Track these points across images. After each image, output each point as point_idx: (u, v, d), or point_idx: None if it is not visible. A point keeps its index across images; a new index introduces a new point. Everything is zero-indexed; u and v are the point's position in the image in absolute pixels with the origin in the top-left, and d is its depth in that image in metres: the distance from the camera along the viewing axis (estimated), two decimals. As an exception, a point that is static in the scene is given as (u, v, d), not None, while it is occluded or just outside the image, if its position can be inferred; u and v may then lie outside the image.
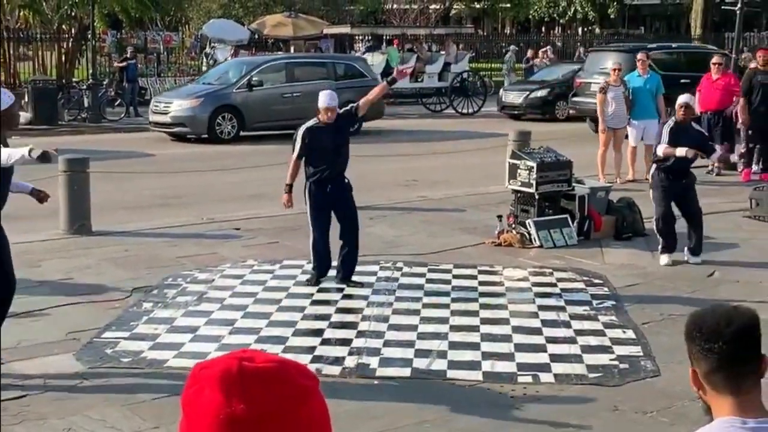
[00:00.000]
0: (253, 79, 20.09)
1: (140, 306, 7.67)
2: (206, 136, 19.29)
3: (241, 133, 19.56)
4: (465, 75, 27.43)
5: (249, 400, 1.19)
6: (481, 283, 8.53)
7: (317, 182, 8.27)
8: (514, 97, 24.79)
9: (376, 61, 26.70)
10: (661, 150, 9.00)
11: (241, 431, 1.18)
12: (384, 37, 29.96)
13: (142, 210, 12.10)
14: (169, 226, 10.76)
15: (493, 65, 36.31)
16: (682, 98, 9.35)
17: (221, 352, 6.37)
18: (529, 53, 33.75)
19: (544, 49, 36.20)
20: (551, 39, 41.91)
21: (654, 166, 9.42)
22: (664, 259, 9.11)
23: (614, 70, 14.22)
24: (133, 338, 6.85)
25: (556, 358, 6.55)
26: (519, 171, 10.27)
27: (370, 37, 30.56)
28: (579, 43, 40.33)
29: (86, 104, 23.62)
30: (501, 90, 26.35)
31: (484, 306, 7.81)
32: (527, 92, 24.45)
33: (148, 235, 10.28)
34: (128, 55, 26.71)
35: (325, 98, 8.36)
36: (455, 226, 10.95)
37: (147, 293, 8.03)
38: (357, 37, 32.59)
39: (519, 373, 6.25)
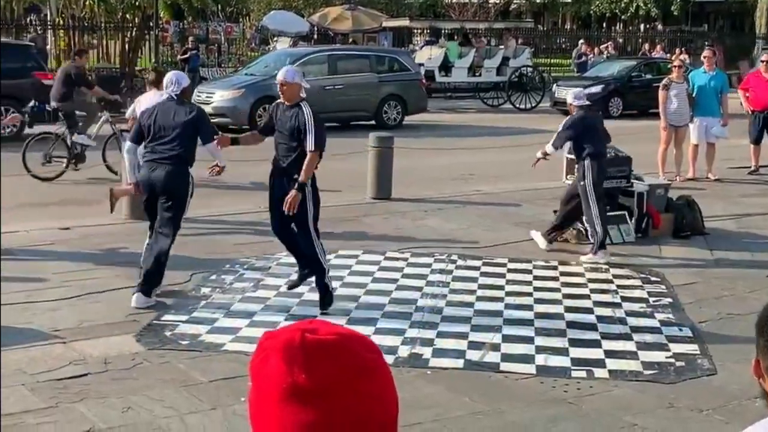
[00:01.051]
0: None
1: (199, 291, 7.80)
2: (247, 126, 19.35)
3: None
4: (524, 70, 27.26)
5: (310, 370, 1.21)
6: (536, 278, 8.51)
7: (271, 172, 7.55)
8: (566, 93, 24.47)
9: (434, 54, 26.64)
10: None
11: (303, 401, 1.21)
12: (443, 31, 29.88)
13: (202, 197, 12.24)
14: (228, 213, 10.91)
15: (552, 61, 36.01)
16: None
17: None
18: (583, 47, 33.37)
19: (605, 45, 35.82)
20: (612, 35, 41.46)
21: None
22: None
23: (677, 67, 14.04)
24: (192, 322, 6.97)
25: (610, 354, 6.52)
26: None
27: (428, 31, 30.51)
28: (641, 40, 39.84)
29: (148, 93, 23.95)
30: (554, 86, 26.04)
31: (538, 300, 7.80)
32: (581, 88, 24.07)
33: (208, 222, 10.43)
34: (190, 46, 27.02)
35: (281, 72, 7.34)
36: (511, 221, 10.93)
37: (205, 278, 8.16)
38: (415, 31, 32.55)
39: (573, 368, 6.24)
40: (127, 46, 29.17)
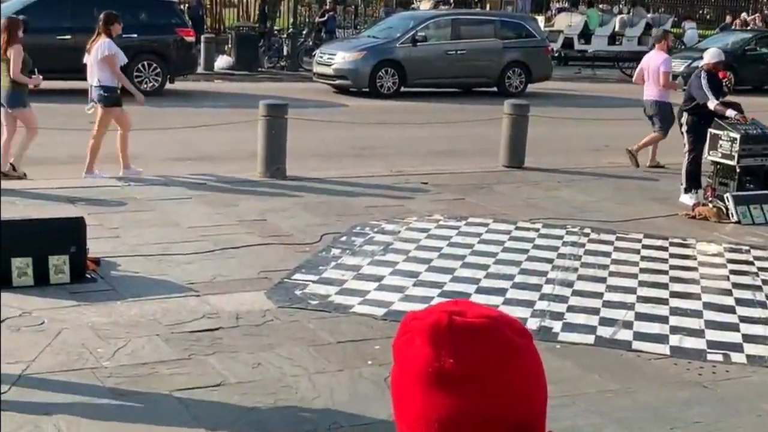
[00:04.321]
0: (418, 34, 19.85)
1: (329, 251, 7.86)
2: (367, 89, 19.35)
3: (402, 89, 19.54)
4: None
5: (457, 355, 1.16)
6: (672, 256, 8.24)
7: None
8: (675, 66, 23.33)
9: (574, 22, 26.05)
10: None
11: (449, 385, 1.16)
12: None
13: (334, 158, 12.37)
14: (360, 176, 10.95)
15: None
16: None
17: (405, 303, 6.49)
18: (728, 18, 32.03)
19: (752, 17, 34.37)
20: (759, 6, 39.67)
21: None
22: None
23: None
24: (322, 282, 7.03)
25: (749, 338, 6.26)
26: (720, 142, 9.81)
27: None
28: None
29: (285, 52, 24.27)
30: None
31: (674, 279, 7.54)
32: (690, 60, 22.93)
33: (340, 183, 10.50)
34: (328, 7, 27.22)
35: None
36: (647, 195, 10.62)
37: (336, 239, 8.21)
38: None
39: (709, 350, 6.02)
40: (266, 6, 29.57)
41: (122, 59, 10.32)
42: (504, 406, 1.16)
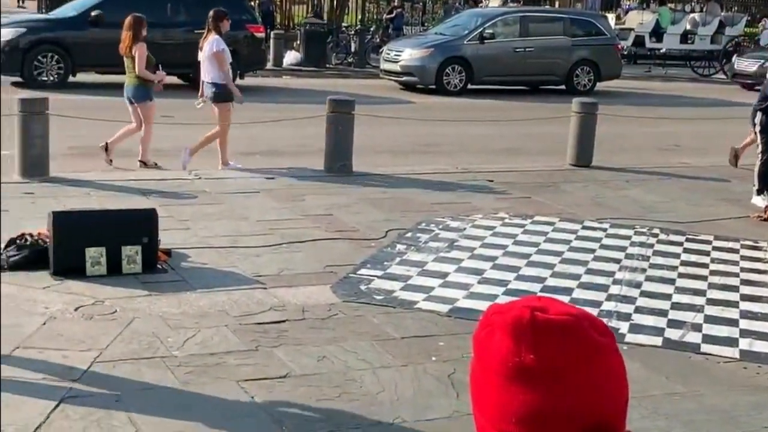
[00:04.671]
0: (486, 31, 19.78)
1: (394, 247, 7.89)
2: (434, 86, 19.31)
3: (469, 86, 19.46)
4: (740, 39, 25.88)
5: (539, 351, 1.17)
6: (743, 258, 8.10)
7: None
8: (747, 65, 22.80)
9: (645, 19, 25.70)
10: None
11: (528, 381, 1.17)
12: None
13: (400, 154, 12.40)
14: (425, 172, 10.96)
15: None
16: None
17: (469, 300, 6.49)
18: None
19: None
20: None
21: None
22: None
23: None
24: (386, 277, 7.06)
25: (822, 345, 6.13)
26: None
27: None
28: None
29: (353, 49, 24.38)
30: (734, 57, 24.38)
31: (745, 282, 7.42)
32: (763, 60, 22.42)
33: (405, 179, 10.52)
34: (396, 4, 27.27)
35: None
36: (718, 197, 10.45)
37: (401, 236, 8.24)
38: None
39: (780, 355, 5.91)
40: (335, 2, 29.73)
41: (229, 57, 10.64)
42: (583, 403, 1.16)
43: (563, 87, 20.09)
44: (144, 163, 10.71)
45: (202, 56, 10.59)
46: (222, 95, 10.53)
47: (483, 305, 6.50)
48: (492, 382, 1.19)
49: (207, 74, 10.54)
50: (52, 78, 16.47)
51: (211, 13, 10.69)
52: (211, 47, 10.44)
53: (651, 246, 8.32)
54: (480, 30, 19.75)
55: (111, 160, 10.48)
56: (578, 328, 1.18)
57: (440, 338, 5.87)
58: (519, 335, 1.17)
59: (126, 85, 10.67)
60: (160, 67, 10.75)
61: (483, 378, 1.21)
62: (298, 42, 24.04)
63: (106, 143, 10.48)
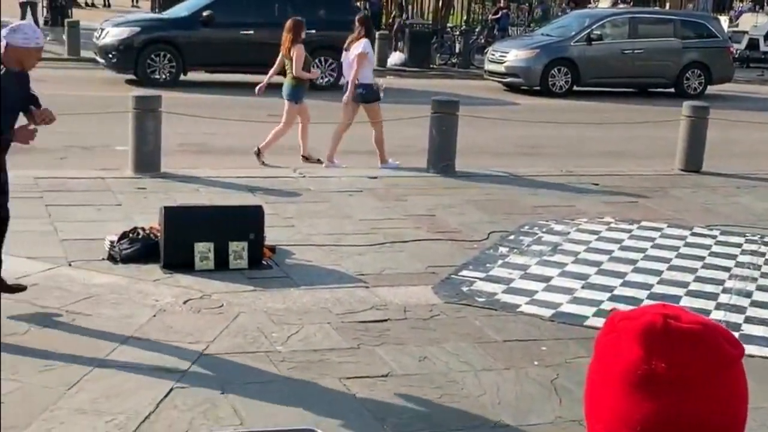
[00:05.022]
0: (594, 32, 19.46)
1: (496, 249, 7.85)
2: (538, 88, 19.09)
3: (575, 88, 19.17)
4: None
5: (671, 360, 1.14)
6: None
7: None
8: None
9: (760, 22, 24.95)
10: None
11: (657, 390, 1.15)
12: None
13: (504, 156, 12.31)
14: (529, 174, 10.86)
15: None
16: None
17: (573, 305, 6.41)
18: None
19: None
20: None
21: None
22: None
23: None
24: (488, 280, 7.03)
25: None
26: None
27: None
28: None
29: (457, 50, 24.33)
30: None
31: None
32: None
33: (509, 181, 10.45)
34: (502, 4, 27.11)
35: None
36: (835, 205, 10.07)
37: (503, 238, 8.19)
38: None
39: None
40: (440, 3, 29.72)
41: (372, 61, 10.88)
42: (710, 414, 1.14)
43: (673, 90, 19.65)
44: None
45: (348, 58, 10.82)
46: (367, 96, 10.75)
47: (587, 311, 6.42)
48: (614, 387, 1.17)
49: (352, 75, 10.77)
50: (164, 76, 16.91)
51: (357, 17, 11.21)
52: (357, 49, 10.67)
53: (762, 255, 8.07)
54: (587, 31, 19.47)
55: (318, 159, 10.92)
56: (711, 337, 1.16)
57: (543, 342, 5.82)
58: (651, 342, 1.15)
59: (284, 85, 10.95)
60: (314, 66, 11.10)
61: (603, 382, 1.19)
62: (403, 42, 24.11)
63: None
